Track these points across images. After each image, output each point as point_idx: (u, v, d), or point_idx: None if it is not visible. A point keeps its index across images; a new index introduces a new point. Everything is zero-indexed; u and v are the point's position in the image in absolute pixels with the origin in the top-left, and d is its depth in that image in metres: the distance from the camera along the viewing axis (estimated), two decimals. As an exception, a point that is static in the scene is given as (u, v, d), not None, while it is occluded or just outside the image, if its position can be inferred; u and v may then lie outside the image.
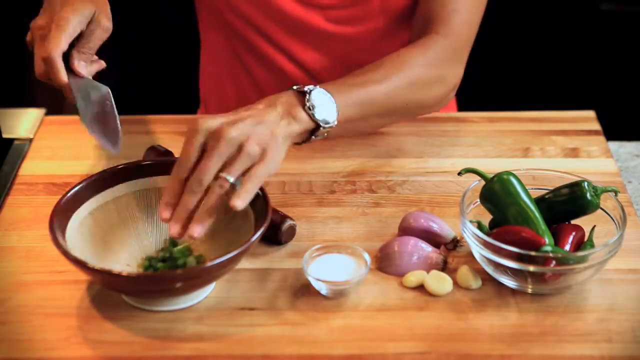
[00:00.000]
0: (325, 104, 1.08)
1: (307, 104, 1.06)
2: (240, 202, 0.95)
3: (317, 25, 1.31)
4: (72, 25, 1.07)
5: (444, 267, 1.04)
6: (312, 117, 1.06)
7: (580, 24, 1.99)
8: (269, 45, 1.34)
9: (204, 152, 0.97)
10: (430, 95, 1.20)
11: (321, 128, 1.07)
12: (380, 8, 1.30)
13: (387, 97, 1.15)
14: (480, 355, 0.93)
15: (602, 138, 1.30)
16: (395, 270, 1.03)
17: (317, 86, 1.08)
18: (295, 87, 1.08)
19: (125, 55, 1.74)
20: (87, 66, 1.12)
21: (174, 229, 0.96)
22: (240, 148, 0.97)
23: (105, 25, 1.11)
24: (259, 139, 0.98)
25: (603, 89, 2.02)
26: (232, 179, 0.96)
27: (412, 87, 1.17)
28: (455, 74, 1.23)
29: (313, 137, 1.09)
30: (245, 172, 0.97)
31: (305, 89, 1.07)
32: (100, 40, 1.12)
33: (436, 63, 1.19)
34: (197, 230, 0.95)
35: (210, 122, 0.98)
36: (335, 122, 1.09)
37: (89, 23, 1.10)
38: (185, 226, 0.97)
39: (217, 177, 0.96)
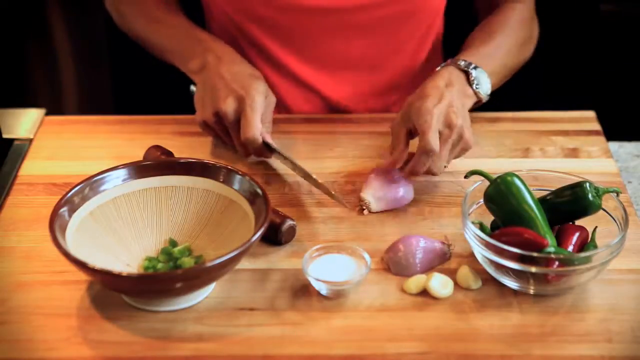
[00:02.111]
0: (482, 78, 1.19)
1: (474, 82, 1.17)
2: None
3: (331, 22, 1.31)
4: (261, 106, 1.16)
5: (450, 255, 1.05)
6: (478, 94, 1.18)
7: (579, 25, 1.99)
8: (277, 46, 1.33)
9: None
10: (528, 52, 1.33)
11: (482, 101, 1.19)
12: None
13: (510, 60, 1.28)
14: (481, 355, 0.93)
15: (602, 138, 1.29)
16: (409, 271, 1.03)
17: (466, 61, 1.18)
18: (454, 62, 1.18)
19: (126, 54, 1.73)
20: (269, 135, 1.18)
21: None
22: (449, 127, 1.11)
23: (273, 98, 1.20)
24: (459, 118, 1.11)
25: (603, 89, 2.01)
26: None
27: (521, 47, 1.31)
28: (536, 30, 1.35)
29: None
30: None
31: (465, 66, 1.17)
32: (272, 112, 1.20)
33: (524, 24, 1.32)
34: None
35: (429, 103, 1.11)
36: (489, 93, 1.20)
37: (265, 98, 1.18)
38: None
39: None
